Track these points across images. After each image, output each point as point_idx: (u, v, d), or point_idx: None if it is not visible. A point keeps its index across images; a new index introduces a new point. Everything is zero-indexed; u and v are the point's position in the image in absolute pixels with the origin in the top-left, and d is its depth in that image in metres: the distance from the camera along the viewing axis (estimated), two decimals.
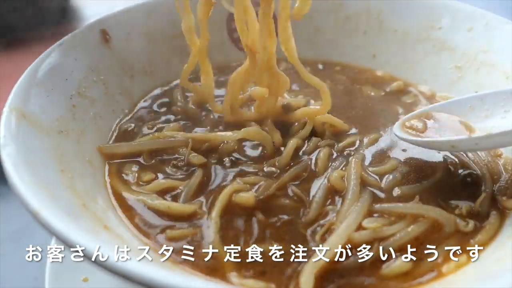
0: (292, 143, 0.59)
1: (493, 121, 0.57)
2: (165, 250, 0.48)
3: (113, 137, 0.63)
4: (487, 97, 0.59)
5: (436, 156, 0.60)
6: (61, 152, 0.51)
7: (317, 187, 0.54)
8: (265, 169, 0.57)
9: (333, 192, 0.54)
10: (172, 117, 0.67)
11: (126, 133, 0.64)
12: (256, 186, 0.54)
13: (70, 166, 0.51)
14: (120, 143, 0.60)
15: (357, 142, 0.62)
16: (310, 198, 0.53)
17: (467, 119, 0.59)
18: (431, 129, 0.58)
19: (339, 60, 0.82)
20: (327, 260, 0.45)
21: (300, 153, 0.60)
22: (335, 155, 0.60)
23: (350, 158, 0.57)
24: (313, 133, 0.63)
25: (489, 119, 0.58)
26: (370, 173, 0.56)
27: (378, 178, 0.56)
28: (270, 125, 0.62)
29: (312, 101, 0.69)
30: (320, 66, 0.81)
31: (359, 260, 0.46)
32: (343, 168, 0.56)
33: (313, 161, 0.58)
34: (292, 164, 0.58)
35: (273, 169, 0.57)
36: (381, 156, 0.59)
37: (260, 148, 0.60)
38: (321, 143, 0.61)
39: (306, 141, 0.61)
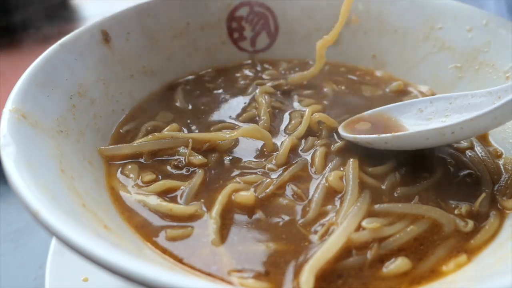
0: (288, 141, 0.59)
1: (432, 124, 0.57)
2: (165, 250, 0.48)
3: (113, 138, 0.63)
4: (436, 100, 0.61)
5: (435, 156, 0.60)
6: (61, 152, 0.51)
7: (316, 187, 0.54)
8: (264, 168, 0.57)
9: (332, 192, 0.54)
10: (172, 117, 0.67)
11: (126, 133, 0.64)
12: (256, 185, 0.54)
13: (70, 166, 0.51)
14: (120, 145, 0.60)
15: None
16: (310, 198, 0.53)
17: (413, 120, 0.60)
18: (373, 128, 0.62)
19: (339, 61, 0.82)
20: (327, 260, 0.45)
21: (298, 152, 0.60)
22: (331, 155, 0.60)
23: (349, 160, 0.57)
24: (309, 132, 0.63)
25: (430, 122, 0.59)
26: (369, 173, 0.56)
27: (377, 179, 0.56)
28: None
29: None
30: (327, 67, 0.81)
31: (359, 260, 0.46)
32: (342, 168, 0.56)
33: (310, 160, 0.58)
34: (290, 163, 0.58)
35: (272, 167, 0.57)
36: (380, 156, 0.59)
37: (260, 147, 0.60)
38: (317, 143, 0.61)
39: (303, 140, 0.61)
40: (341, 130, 0.62)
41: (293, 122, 0.65)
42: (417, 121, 0.60)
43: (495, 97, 0.54)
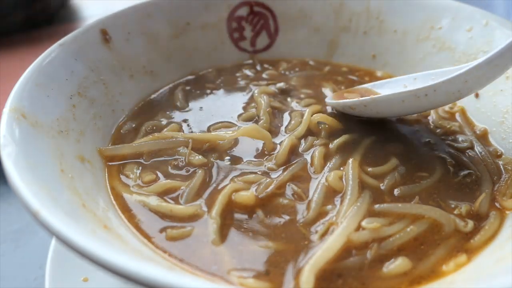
0: (287, 141, 0.59)
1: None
2: (165, 250, 0.48)
3: (113, 138, 0.63)
4: (419, 77, 0.65)
5: (435, 156, 0.60)
6: (61, 152, 0.51)
7: (316, 187, 0.54)
8: (264, 167, 0.57)
9: (332, 192, 0.54)
10: (172, 117, 0.67)
11: (126, 134, 0.64)
12: (256, 185, 0.54)
13: (70, 166, 0.51)
14: (120, 145, 0.60)
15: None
16: (310, 197, 0.53)
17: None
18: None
19: (339, 61, 0.83)
20: (327, 260, 0.45)
21: (298, 151, 0.60)
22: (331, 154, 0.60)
23: (349, 159, 0.57)
24: (309, 133, 0.63)
25: None
26: (369, 173, 0.56)
27: (377, 178, 0.56)
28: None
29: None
30: (327, 68, 0.81)
31: (359, 260, 0.46)
32: (341, 168, 0.56)
33: (309, 159, 0.58)
34: (290, 162, 0.58)
35: (272, 167, 0.57)
36: (380, 156, 0.59)
37: (260, 146, 0.60)
38: (316, 142, 0.61)
39: (302, 140, 0.61)
40: (328, 99, 0.67)
41: (293, 122, 0.65)
42: None
43: None
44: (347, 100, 0.63)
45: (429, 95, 0.54)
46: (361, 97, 0.65)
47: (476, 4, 0.72)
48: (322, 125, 0.63)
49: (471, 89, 0.54)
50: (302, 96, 0.72)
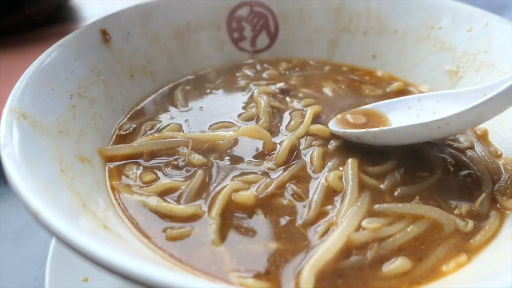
0: (287, 141, 0.59)
1: (419, 120, 0.57)
2: (165, 250, 0.48)
3: (113, 138, 0.63)
4: (424, 98, 0.62)
5: (435, 156, 0.60)
6: (61, 152, 0.51)
7: (316, 187, 0.54)
8: (264, 167, 0.57)
9: (332, 192, 0.54)
10: (172, 117, 0.67)
11: (126, 134, 0.64)
12: (256, 185, 0.54)
13: (70, 166, 0.51)
14: (120, 145, 0.60)
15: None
16: (310, 197, 0.53)
17: (402, 117, 0.62)
18: (366, 123, 0.63)
19: (339, 61, 0.83)
20: (327, 260, 0.45)
21: (298, 151, 0.60)
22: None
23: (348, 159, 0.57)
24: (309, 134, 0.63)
25: (419, 118, 0.60)
26: (369, 173, 0.56)
27: (377, 178, 0.56)
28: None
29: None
30: (327, 67, 0.81)
31: (359, 260, 0.46)
32: (341, 168, 0.56)
33: (308, 159, 0.58)
34: (289, 162, 0.58)
35: (272, 167, 0.57)
36: (380, 156, 0.59)
37: (260, 146, 0.60)
38: (314, 143, 0.61)
39: (302, 140, 0.62)
40: (331, 125, 0.63)
41: (293, 122, 0.65)
42: (406, 118, 0.61)
43: (481, 94, 0.55)
44: (355, 130, 0.60)
45: (442, 127, 0.52)
46: (366, 118, 0.63)
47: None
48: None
49: (484, 119, 0.52)
50: (302, 95, 0.72)
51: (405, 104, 0.63)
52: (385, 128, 0.57)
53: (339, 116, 0.65)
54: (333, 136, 0.62)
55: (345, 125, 0.62)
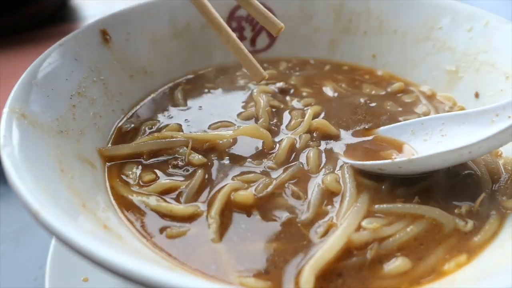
0: (287, 140, 0.59)
1: (430, 145, 0.58)
2: (165, 250, 0.48)
3: (113, 137, 0.63)
4: (427, 121, 0.60)
5: None
6: (61, 152, 0.51)
7: (314, 188, 0.54)
8: (264, 167, 0.57)
9: (330, 194, 0.54)
10: (172, 117, 0.67)
11: (126, 133, 0.64)
12: (255, 184, 0.54)
13: (70, 166, 0.51)
14: (120, 145, 0.60)
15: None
16: (309, 197, 0.53)
17: (411, 143, 0.60)
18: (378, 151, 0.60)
19: (339, 60, 0.83)
20: (328, 260, 0.45)
21: (297, 151, 0.60)
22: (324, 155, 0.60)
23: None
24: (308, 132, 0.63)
25: (427, 142, 0.59)
26: (368, 173, 0.56)
27: (376, 178, 0.56)
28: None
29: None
30: (327, 67, 0.81)
31: (359, 260, 0.46)
32: (338, 170, 0.56)
33: (305, 160, 0.58)
34: (289, 161, 0.58)
35: (272, 166, 0.57)
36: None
37: (259, 146, 0.60)
38: (311, 143, 0.61)
39: (297, 137, 0.61)
40: (344, 159, 0.59)
41: (293, 121, 0.65)
42: (414, 144, 0.60)
43: (492, 115, 0.54)
44: (376, 162, 0.56)
45: (473, 152, 0.52)
46: (377, 148, 0.60)
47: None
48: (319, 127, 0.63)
49: (510, 140, 0.51)
50: (302, 95, 0.72)
51: (408, 129, 0.61)
52: (413, 157, 0.54)
53: (349, 149, 0.61)
54: (331, 137, 0.62)
55: (357, 157, 0.59)
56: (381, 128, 0.64)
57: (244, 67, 0.62)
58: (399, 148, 0.60)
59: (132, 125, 0.65)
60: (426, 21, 0.75)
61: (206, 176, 0.56)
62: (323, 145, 0.61)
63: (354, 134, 0.64)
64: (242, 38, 0.82)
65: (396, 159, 0.55)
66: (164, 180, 0.55)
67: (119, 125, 0.65)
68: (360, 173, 0.56)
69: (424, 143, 0.59)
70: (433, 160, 0.53)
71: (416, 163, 0.53)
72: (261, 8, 0.60)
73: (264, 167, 0.57)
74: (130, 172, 0.56)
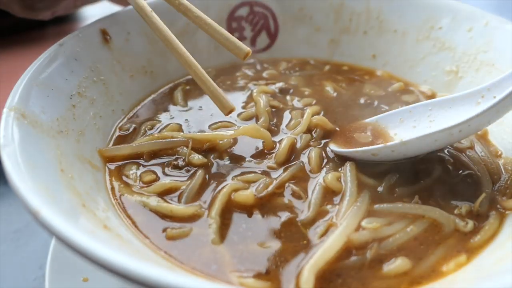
0: (287, 140, 0.59)
1: (420, 131, 0.57)
2: (165, 250, 0.48)
3: (113, 138, 0.63)
4: (415, 109, 0.61)
5: (435, 156, 0.60)
6: (61, 152, 0.51)
7: (314, 187, 0.54)
8: (264, 166, 0.57)
9: (331, 193, 0.54)
10: (172, 117, 0.67)
11: (126, 134, 0.64)
12: (256, 184, 0.54)
13: (70, 166, 0.51)
14: (120, 145, 0.60)
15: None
16: (309, 197, 0.53)
17: (398, 130, 0.60)
18: (367, 139, 0.60)
19: (339, 60, 0.83)
20: (327, 260, 0.45)
21: (297, 150, 0.60)
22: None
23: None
24: (308, 132, 0.63)
25: (416, 129, 0.59)
26: (368, 173, 0.56)
27: (376, 178, 0.56)
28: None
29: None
30: (327, 67, 0.81)
31: (359, 260, 0.46)
32: (340, 169, 0.56)
33: (306, 160, 0.58)
34: (289, 161, 0.58)
35: (272, 166, 0.57)
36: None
37: (259, 145, 0.60)
38: (312, 143, 0.61)
39: (298, 137, 0.61)
40: (333, 147, 0.60)
41: (293, 121, 0.65)
42: (404, 131, 0.60)
43: (478, 97, 0.56)
44: (369, 147, 0.56)
45: (463, 130, 0.53)
46: (369, 132, 0.61)
47: None
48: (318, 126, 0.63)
49: (499, 117, 0.53)
50: (302, 95, 0.72)
51: (397, 117, 0.62)
52: (405, 140, 0.54)
53: (337, 135, 0.62)
54: (331, 135, 0.62)
55: (348, 144, 0.60)
56: (372, 118, 0.64)
57: (211, 99, 0.60)
58: (384, 136, 0.61)
59: (132, 125, 0.65)
60: (426, 21, 0.75)
61: (207, 176, 0.56)
62: (323, 144, 0.61)
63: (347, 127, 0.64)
64: (242, 38, 0.82)
65: (388, 143, 0.56)
66: (164, 181, 0.55)
67: (119, 125, 0.65)
68: (362, 172, 0.56)
69: (413, 130, 0.59)
70: (424, 141, 0.54)
71: (409, 145, 0.54)
72: (226, 34, 0.61)
73: (265, 166, 0.57)
74: (130, 173, 0.56)
